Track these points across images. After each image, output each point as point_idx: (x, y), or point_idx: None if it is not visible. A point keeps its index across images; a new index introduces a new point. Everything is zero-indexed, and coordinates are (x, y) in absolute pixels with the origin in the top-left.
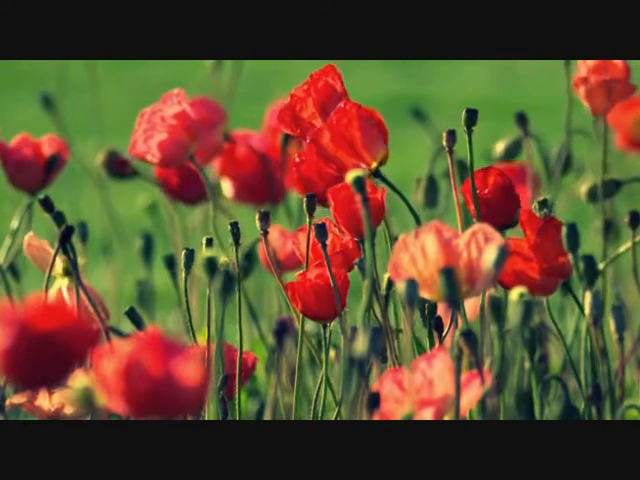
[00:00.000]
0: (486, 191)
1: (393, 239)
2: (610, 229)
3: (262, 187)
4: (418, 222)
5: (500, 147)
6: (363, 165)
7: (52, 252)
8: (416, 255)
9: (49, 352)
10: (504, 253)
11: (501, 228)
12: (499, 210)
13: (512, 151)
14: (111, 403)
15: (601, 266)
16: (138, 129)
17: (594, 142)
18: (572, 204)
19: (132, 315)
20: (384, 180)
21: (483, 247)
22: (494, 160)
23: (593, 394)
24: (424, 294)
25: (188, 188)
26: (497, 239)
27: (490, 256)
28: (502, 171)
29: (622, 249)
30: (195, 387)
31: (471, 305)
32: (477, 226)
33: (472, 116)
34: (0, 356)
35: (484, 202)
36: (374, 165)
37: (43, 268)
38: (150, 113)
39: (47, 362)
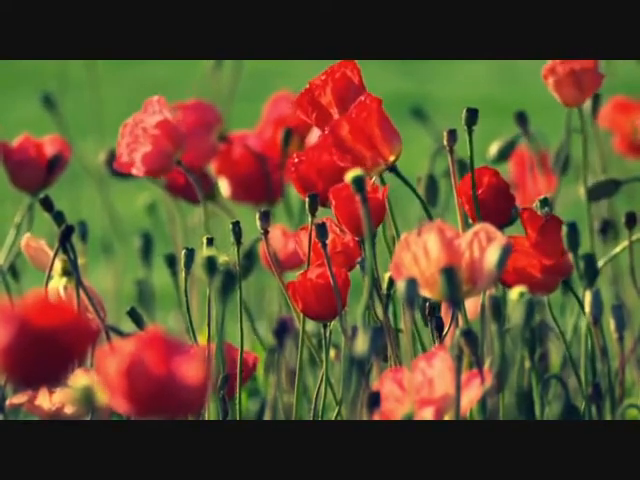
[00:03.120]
0: (480, 191)
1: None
2: (607, 229)
3: (259, 186)
4: (430, 217)
5: (493, 149)
6: (380, 159)
7: (50, 252)
8: (418, 254)
9: (48, 350)
10: (507, 253)
11: (498, 228)
12: (493, 210)
13: (505, 152)
14: (113, 402)
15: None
16: (121, 142)
17: (593, 142)
18: (572, 204)
19: (133, 315)
20: (398, 175)
21: (485, 247)
22: (495, 160)
23: (593, 393)
24: (426, 293)
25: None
26: (499, 239)
27: (493, 256)
28: (496, 171)
29: (618, 249)
30: (197, 386)
31: (472, 304)
32: (479, 226)
33: (472, 115)
34: None
35: (479, 202)
36: (391, 159)
37: (41, 268)
38: (132, 125)
39: (46, 360)
